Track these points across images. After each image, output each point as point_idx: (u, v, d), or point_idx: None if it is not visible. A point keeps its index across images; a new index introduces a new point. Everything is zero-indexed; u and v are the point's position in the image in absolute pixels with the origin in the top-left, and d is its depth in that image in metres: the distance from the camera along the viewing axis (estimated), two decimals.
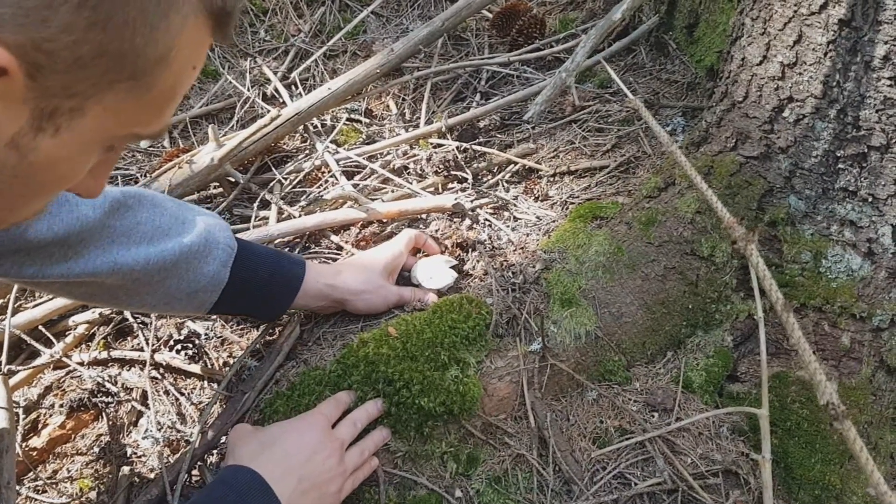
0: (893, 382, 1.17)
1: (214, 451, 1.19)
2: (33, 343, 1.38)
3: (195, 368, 1.34)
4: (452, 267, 1.37)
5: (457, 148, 1.74)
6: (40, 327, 1.41)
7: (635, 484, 1.09)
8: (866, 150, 1.11)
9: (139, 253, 1.05)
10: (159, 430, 1.24)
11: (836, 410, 0.62)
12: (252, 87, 2.18)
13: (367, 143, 1.88)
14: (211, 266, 1.13)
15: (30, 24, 0.47)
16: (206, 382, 1.34)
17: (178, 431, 1.25)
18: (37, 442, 1.27)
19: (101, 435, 1.30)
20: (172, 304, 1.15)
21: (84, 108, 0.54)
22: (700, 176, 0.70)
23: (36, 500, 1.20)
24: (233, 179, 1.74)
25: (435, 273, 1.34)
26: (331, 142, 1.86)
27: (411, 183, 1.70)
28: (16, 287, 1.37)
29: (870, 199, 1.13)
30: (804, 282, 1.19)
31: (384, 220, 1.58)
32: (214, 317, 1.43)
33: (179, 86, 0.61)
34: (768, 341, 1.22)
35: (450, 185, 1.71)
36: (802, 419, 1.15)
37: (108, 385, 1.34)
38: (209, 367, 1.34)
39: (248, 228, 1.59)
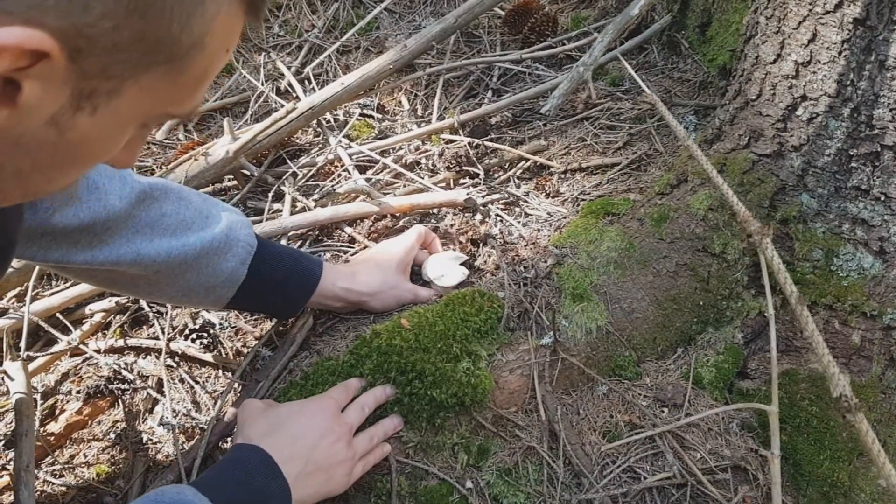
0: None
1: (229, 439, 1.20)
2: (51, 330, 1.40)
3: (210, 357, 1.36)
4: (463, 263, 1.38)
5: (468, 144, 1.75)
6: (58, 315, 1.43)
7: (645, 478, 1.10)
8: (879, 149, 1.12)
9: (162, 245, 1.07)
10: (174, 417, 1.26)
11: (849, 402, 0.63)
12: (266, 81, 2.19)
13: (380, 139, 1.89)
14: (230, 262, 1.14)
15: (72, 10, 0.48)
16: (220, 371, 1.36)
17: (193, 419, 1.27)
18: (54, 427, 1.29)
19: (117, 421, 1.31)
20: (190, 297, 1.17)
21: (121, 89, 0.56)
22: (716, 170, 0.71)
23: (53, 483, 1.22)
24: (247, 172, 1.76)
25: (446, 270, 1.35)
26: (343, 136, 1.87)
27: (423, 178, 1.71)
28: (34, 275, 1.39)
29: (882, 198, 1.13)
30: (815, 280, 1.20)
31: (397, 215, 1.59)
32: None
33: (212, 67, 0.62)
34: (778, 338, 1.22)
35: (461, 181, 1.72)
36: (811, 416, 1.16)
37: (124, 372, 1.36)
38: (223, 356, 1.36)
39: (261, 221, 1.60)
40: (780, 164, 1.23)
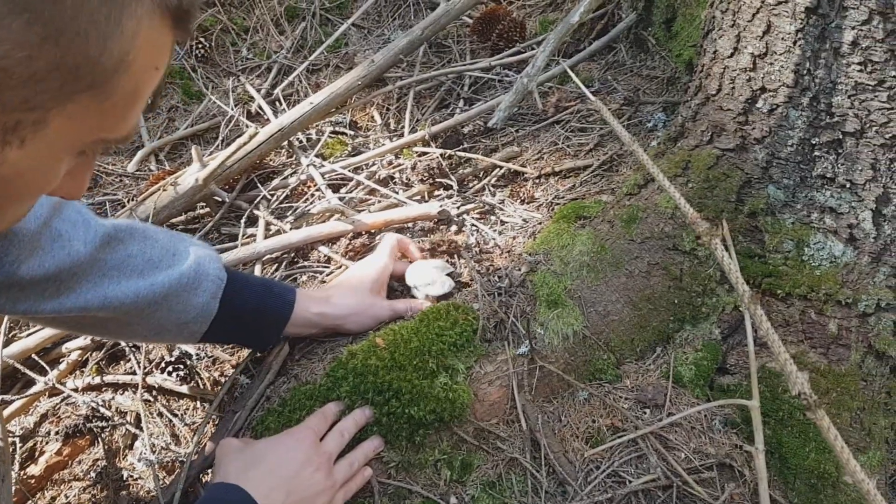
0: (883, 367, 1.17)
1: (209, 471, 1.19)
2: (27, 372, 1.39)
3: (187, 389, 1.34)
4: (449, 274, 1.36)
5: (441, 155, 1.74)
6: (34, 356, 1.42)
7: (630, 482, 1.09)
8: (841, 137, 1.11)
9: (129, 287, 1.05)
10: (153, 452, 1.25)
11: (808, 400, 0.62)
12: (236, 105, 2.18)
13: (353, 155, 1.89)
14: (200, 298, 1.13)
15: None
16: (198, 402, 1.34)
17: (173, 452, 1.26)
18: (34, 470, 1.28)
19: (97, 460, 1.30)
20: (162, 335, 1.16)
21: (47, 119, 0.54)
22: (658, 168, 0.71)
23: None
24: (219, 199, 1.75)
25: (433, 279, 1.32)
26: (316, 155, 1.86)
27: (397, 192, 1.70)
28: (6, 318, 1.38)
29: (848, 185, 1.13)
30: (788, 271, 1.19)
31: (372, 231, 1.58)
32: None
33: (142, 88, 0.60)
34: (755, 332, 1.22)
35: (436, 193, 1.71)
36: (794, 408, 1.15)
37: (102, 410, 1.35)
38: (201, 387, 1.35)
39: (236, 246, 1.59)
40: (744, 158, 1.22)
